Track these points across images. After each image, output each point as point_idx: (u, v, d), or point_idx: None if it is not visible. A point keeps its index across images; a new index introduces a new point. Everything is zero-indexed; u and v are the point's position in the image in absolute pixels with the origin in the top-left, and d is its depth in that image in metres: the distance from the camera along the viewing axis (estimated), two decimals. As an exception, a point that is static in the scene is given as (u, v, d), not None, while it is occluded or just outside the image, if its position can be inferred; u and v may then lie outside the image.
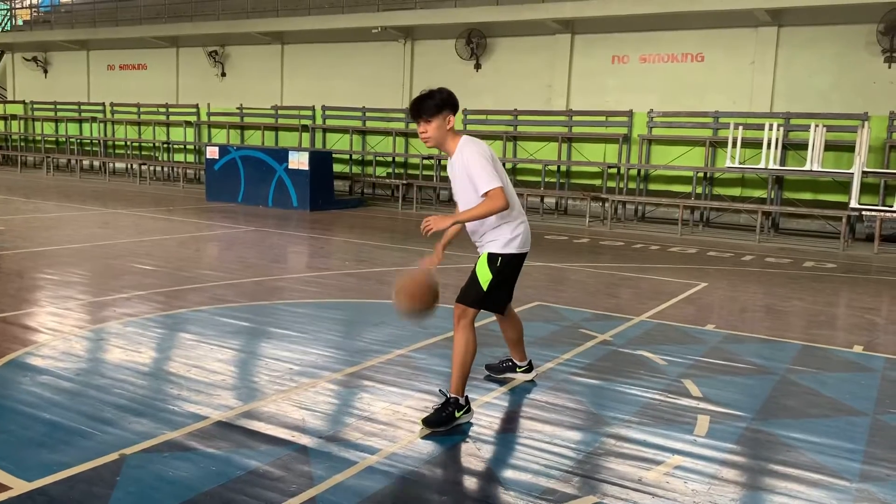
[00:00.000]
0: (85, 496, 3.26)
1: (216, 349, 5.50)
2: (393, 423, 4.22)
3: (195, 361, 5.19)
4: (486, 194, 4.10)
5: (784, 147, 14.09)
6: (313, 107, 20.19)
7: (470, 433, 4.16)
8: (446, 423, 4.15)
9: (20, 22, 28.59)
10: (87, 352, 5.42)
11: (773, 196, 14.50)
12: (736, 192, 15.17)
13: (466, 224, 4.37)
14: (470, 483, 3.63)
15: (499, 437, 4.18)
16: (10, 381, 4.70)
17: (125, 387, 4.64)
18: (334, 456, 3.75)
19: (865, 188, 13.24)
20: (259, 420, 4.18)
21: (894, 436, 4.35)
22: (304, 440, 3.93)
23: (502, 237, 4.33)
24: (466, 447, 3.99)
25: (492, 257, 4.34)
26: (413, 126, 18.20)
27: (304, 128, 20.15)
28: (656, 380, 5.16)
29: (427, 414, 4.22)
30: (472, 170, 4.16)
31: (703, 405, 4.71)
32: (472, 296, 4.34)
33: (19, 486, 3.31)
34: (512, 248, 4.35)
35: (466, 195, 4.30)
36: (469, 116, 17.44)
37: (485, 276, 4.33)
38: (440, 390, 4.41)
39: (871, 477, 3.77)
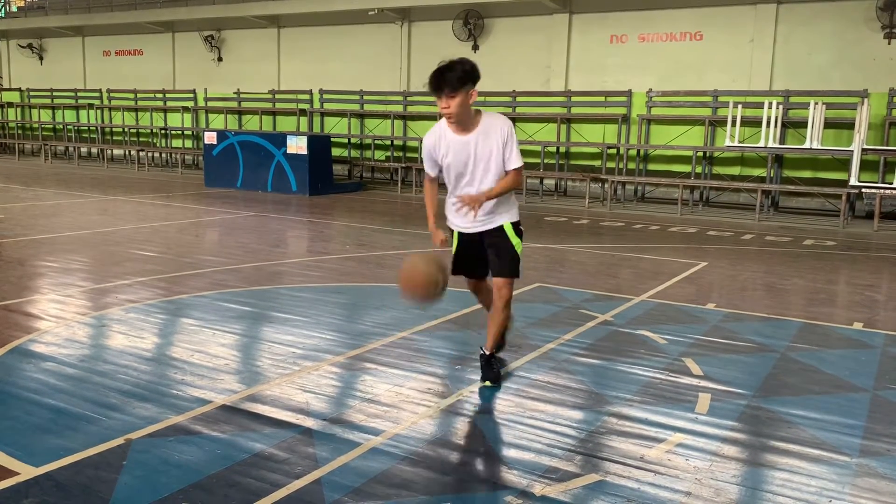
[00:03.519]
0: (92, 481, 3.29)
1: (218, 334, 5.52)
2: (396, 404, 4.25)
3: (198, 346, 5.21)
4: (517, 170, 4.31)
5: (783, 125, 14.05)
6: (311, 91, 20.10)
7: (473, 413, 4.19)
8: (499, 375, 4.60)
9: (14, 8, 28.40)
10: (89, 338, 5.44)
11: (772, 175, 14.48)
12: (735, 171, 15.15)
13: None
14: (473, 463, 3.66)
15: (501, 417, 4.21)
16: (14, 368, 4.72)
17: (129, 372, 4.66)
18: (338, 438, 3.78)
19: (865, 165, 13.21)
20: (263, 403, 4.21)
21: (894, 411, 4.37)
22: (308, 423, 3.96)
23: (515, 207, 4.56)
24: (469, 427, 4.02)
25: (515, 225, 4.51)
26: (411, 108, 18.40)
27: (302, 112, 20.07)
28: (657, 359, 5.19)
29: (483, 375, 4.59)
30: (514, 145, 4.30)
31: (704, 383, 4.73)
32: (514, 266, 4.48)
33: (27, 472, 3.34)
34: (518, 216, 4.60)
35: (488, 170, 4.32)
36: (467, 98, 17.34)
37: (518, 243, 4.50)
38: (481, 350, 4.65)
39: (870, 452, 3.80)
